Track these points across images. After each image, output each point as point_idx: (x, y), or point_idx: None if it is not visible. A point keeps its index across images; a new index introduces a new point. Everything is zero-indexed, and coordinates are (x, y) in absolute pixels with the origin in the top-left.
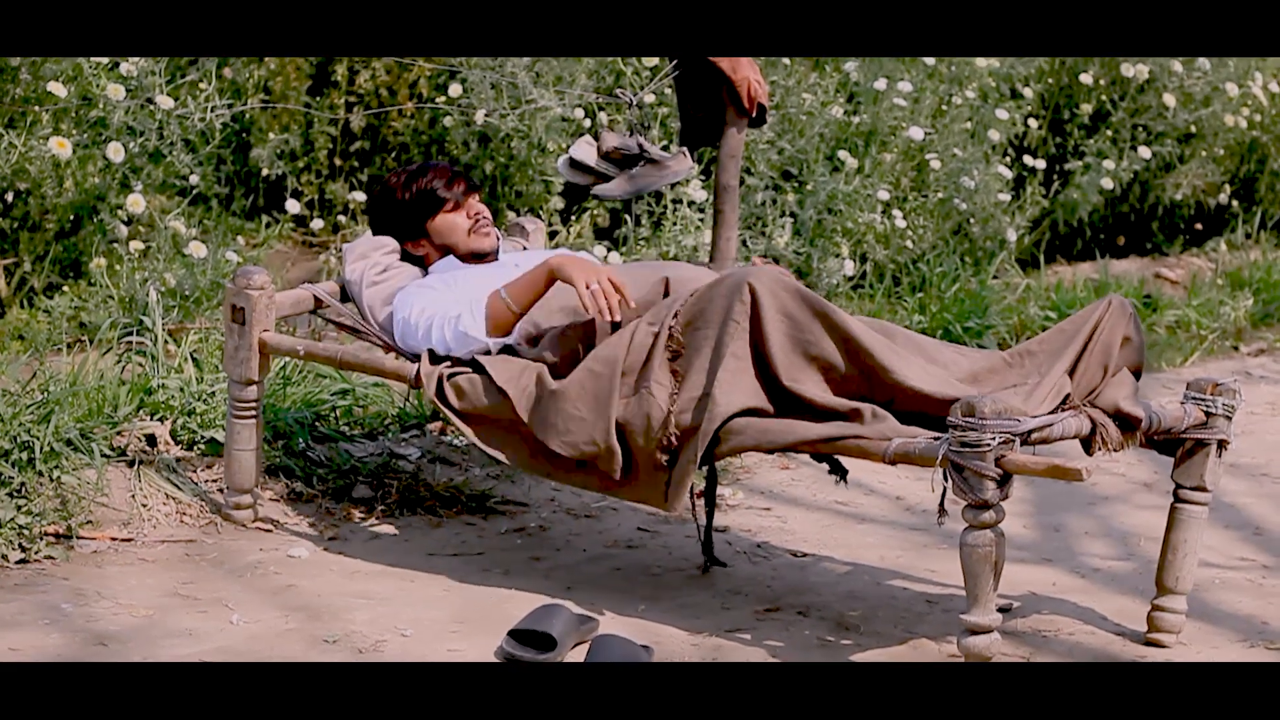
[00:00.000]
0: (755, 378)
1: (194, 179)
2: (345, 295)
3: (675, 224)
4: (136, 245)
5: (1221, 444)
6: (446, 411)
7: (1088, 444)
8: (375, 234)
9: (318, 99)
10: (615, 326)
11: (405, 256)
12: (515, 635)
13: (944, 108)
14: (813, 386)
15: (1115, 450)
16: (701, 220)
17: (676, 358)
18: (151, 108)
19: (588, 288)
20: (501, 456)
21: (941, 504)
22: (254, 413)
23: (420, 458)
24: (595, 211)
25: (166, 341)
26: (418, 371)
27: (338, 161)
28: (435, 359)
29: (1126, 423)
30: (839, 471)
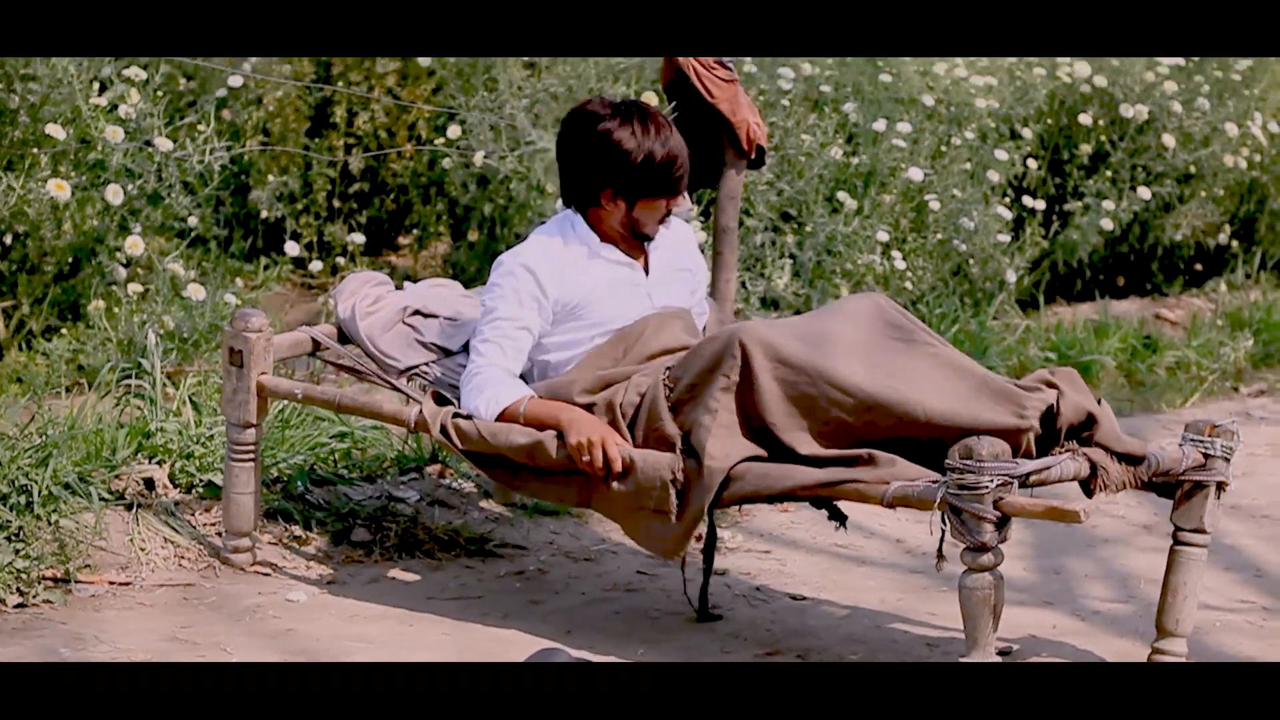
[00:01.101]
0: (749, 433)
1: (192, 221)
2: (344, 337)
3: None
4: (135, 288)
5: (1220, 486)
6: (450, 446)
7: (1087, 486)
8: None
9: (316, 140)
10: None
11: (572, 197)
12: None
13: (943, 149)
14: (809, 441)
15: (1116, 491)
16: None
17: (678, 410)
18: (150, 150)
19: (577, 446)
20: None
21: (940, 548)
22: (252, 456)
23: (419, 501)
24: None
25: (165, 384)
26: (419, 415)
27: (336, 203)
28: (440, 400)
29: (1130, 458)
30: (838, 517)
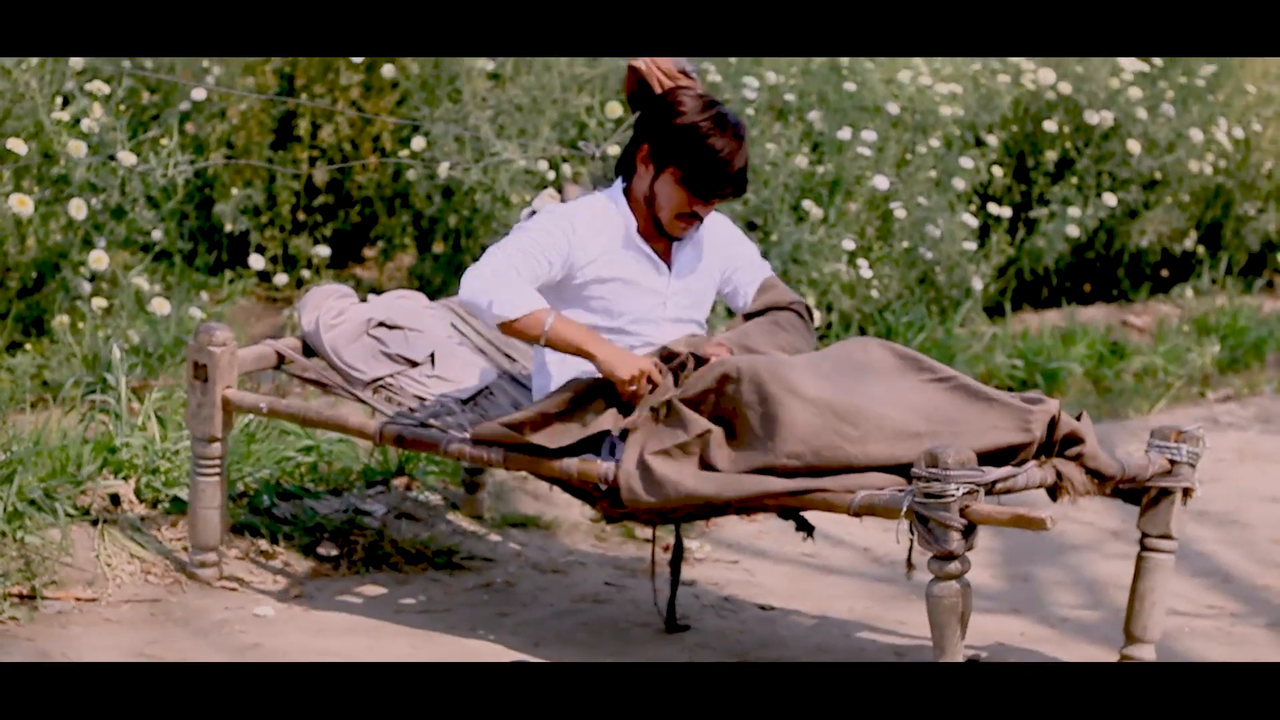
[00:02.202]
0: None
1: (157, 235)
2: (309, 350)
3: None
4: (99, 302)
5: (1187, 492)
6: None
7: (1053, 493)
8: (634, 108)
9: (280, 153)
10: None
11: (624, 163)
12: None
13: (908, 156)
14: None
15: (1078, 497)
16: None
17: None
18: (114, 164)
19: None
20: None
21: (910, 556)
22: (218, 470)
23: (385, 514)
24: None
25: (130, 399)
26: (380, 429)
27: (301, 216)
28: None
29: (1099, 475)
30: (805, 528)
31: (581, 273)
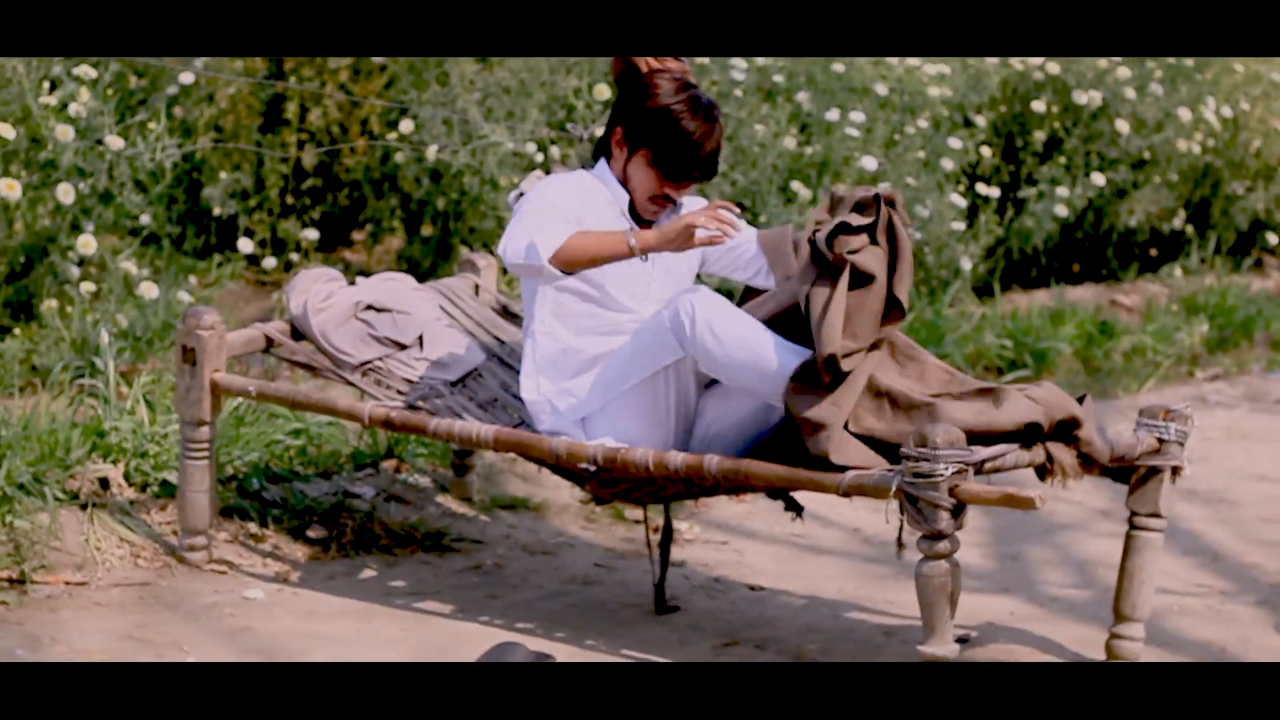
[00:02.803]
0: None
1: (145, 219)
2: (297, 334)
3: None
4: (88, 287)
5: (1175, 470)
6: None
7: (1042, 472)
8: (619, 84)
9: (269, 136)
10: None
11: (603, 147)
12: None
13: (896, 137)
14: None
15: (1069, 479)
16: None
17: None
18: (101, 148)
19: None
20: None
21: (900, 536)
22: (207, 454)
23: (375, 496)
24: None
25: (119, 383)
26: (369, 412)
27: (289, 199)
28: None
29: (1088, 459)
30: (794, 508)
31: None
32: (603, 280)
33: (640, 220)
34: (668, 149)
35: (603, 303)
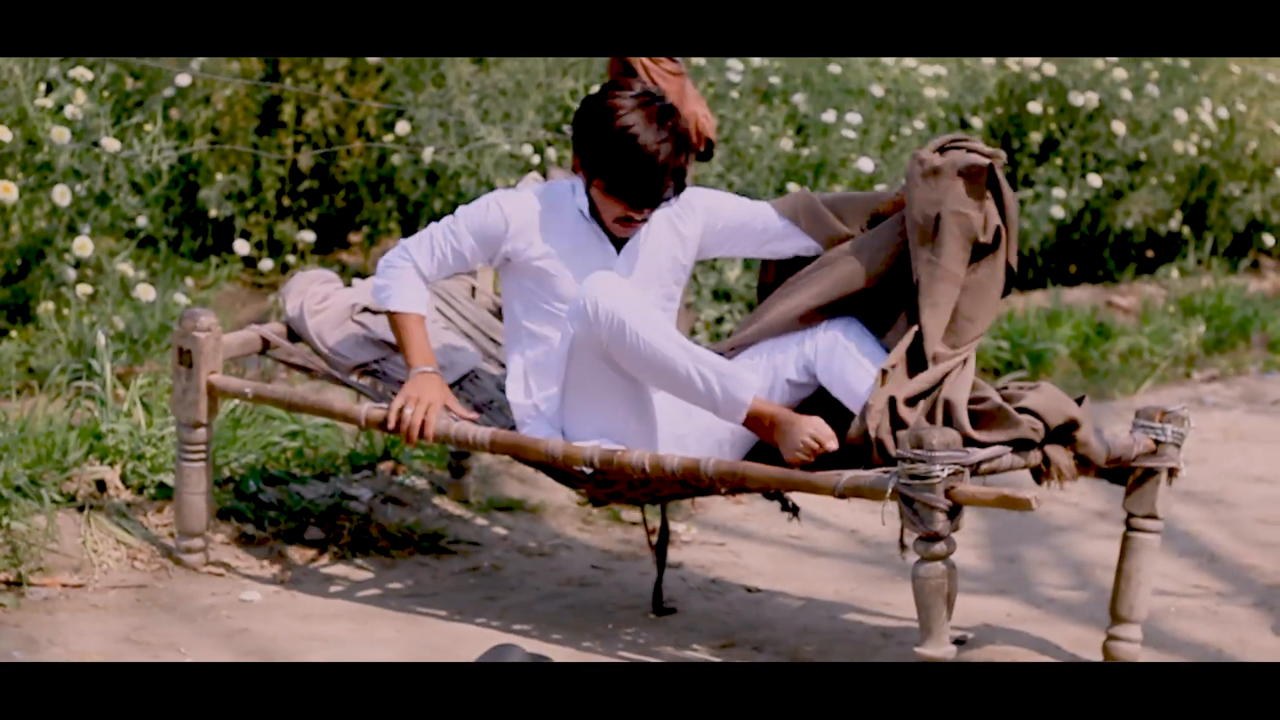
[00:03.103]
0: None
1: (141, 221)
2: (294, 335)
3: None
4: (84, 289)
5: (1172, 472)
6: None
7: (1038, 474)
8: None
9: (265, 138)
10: None
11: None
12: None
13: (893, 139)
14: None
15: (1065, 482)
16: None
17: None
18: (97, 150)
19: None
20: None
21: (901, 537)
22: (203, 456)
23: (372, 498)
24: None
25: (116, 385)
26: (365, 414)
27: (286, 201)
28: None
29: (1084, 460)
30: (791, 508)
31: (522, 253)
32: (563, 288)
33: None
34: (617, 182)
35: (558, 305)
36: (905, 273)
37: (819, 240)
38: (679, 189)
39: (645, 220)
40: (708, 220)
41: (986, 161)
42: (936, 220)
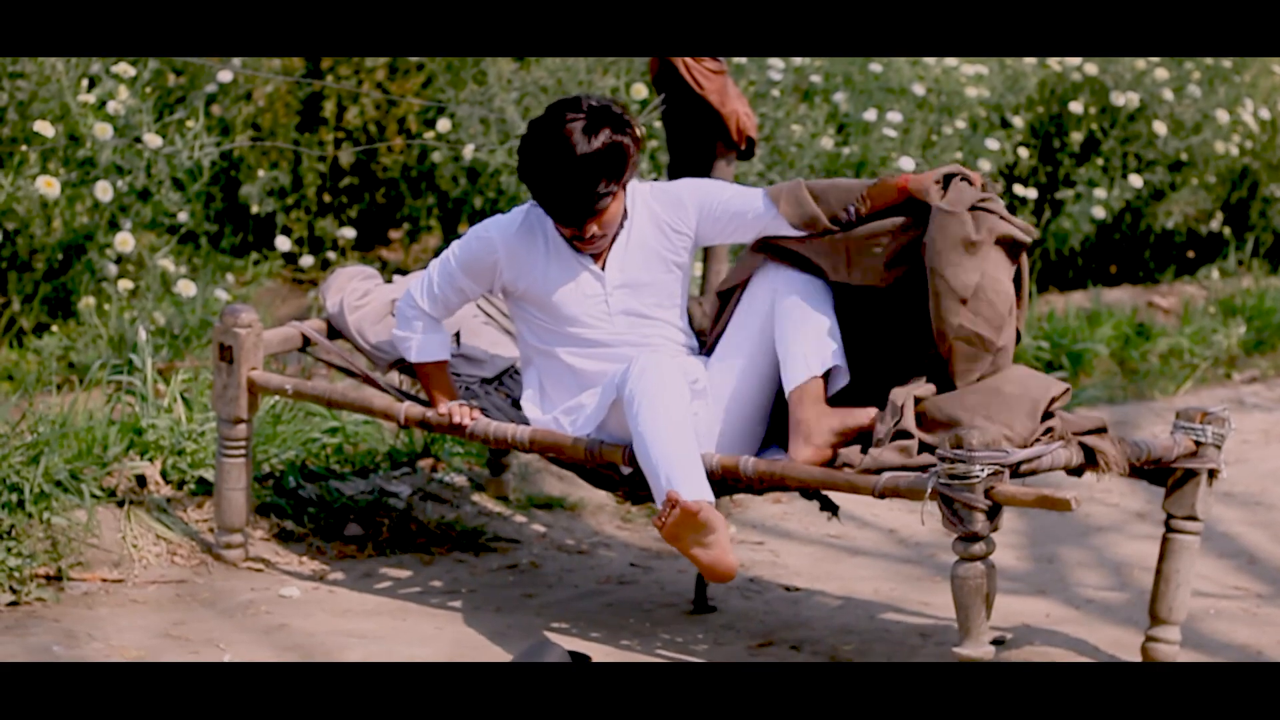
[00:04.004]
0: None
1: (183, 217)
2: (334, 332)
3: None
4: (125, 284)
5: (1212, 473)
6: None
7: (1079, 472)
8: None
9: (306, 135)
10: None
11: None
12: None
13: (934, 138)
14: None
15: (1115, 471)
16: None
17: None
18: (139, 146)
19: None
20: None
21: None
22: (243, 451)
23: (411, 495)
24: None
25: (156, 381)
26: (405, 411)
27: (326, 198)
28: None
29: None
30: (829, 507)
31: (514, 283)
32: (560, 315)
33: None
34: (544, 200)
35: (560, 332)
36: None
37: (795, 223)
38: (584, 213)
39: (601, 235)
40: (701, 213)
41: (1027, 239)
42: (976, 289)
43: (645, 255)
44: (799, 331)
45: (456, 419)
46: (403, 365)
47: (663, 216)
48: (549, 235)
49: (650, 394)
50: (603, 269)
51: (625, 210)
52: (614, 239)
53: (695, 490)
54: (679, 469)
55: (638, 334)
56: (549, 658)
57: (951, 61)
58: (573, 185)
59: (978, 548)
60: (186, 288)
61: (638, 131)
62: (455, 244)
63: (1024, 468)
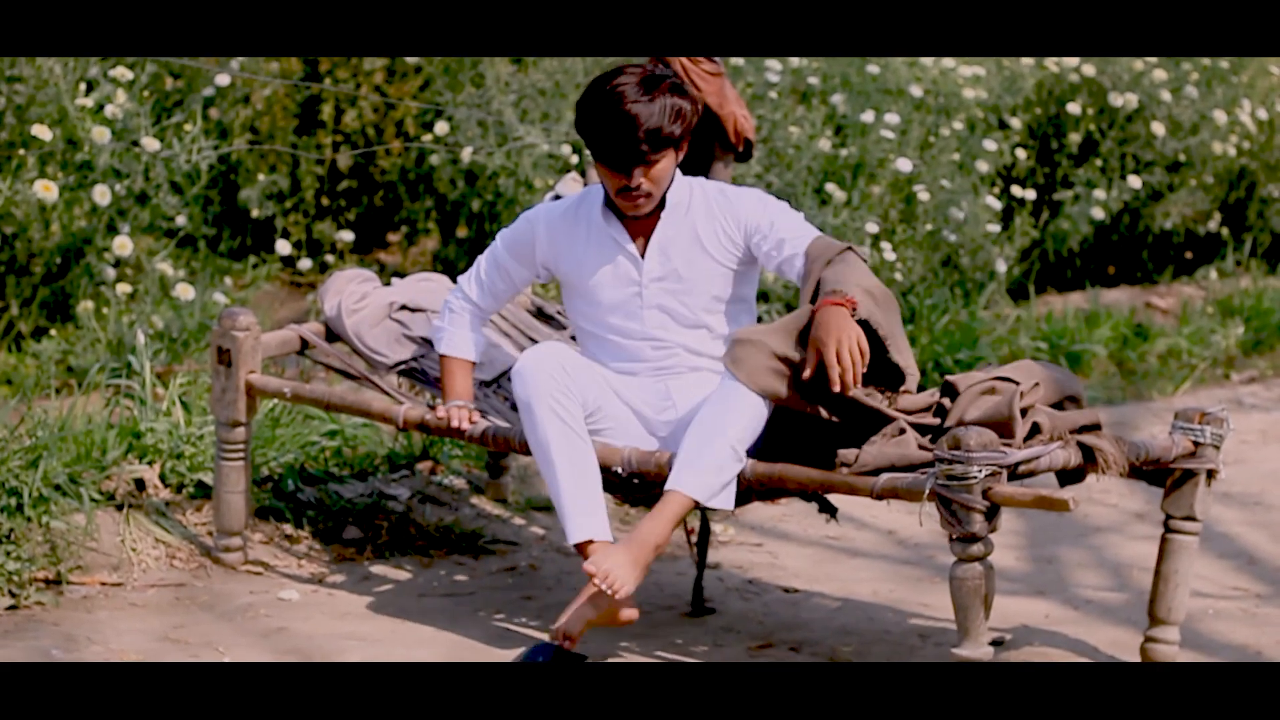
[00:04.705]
0: None
1: (181, 220)
2: (332, 336)
3: None
4: (124, 288)
5: (1211, 473)
6: None
7: (1080, 473)
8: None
9: (304, 138)
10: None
11: None
12: None
13: (931, 139)
14: None
15: (1113, 471)
16: None
17: None
18: (137, 150)
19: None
20: None
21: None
22: (242, 455)
23: (410, 498)
24: None
25: (155, 384)
26: (403, 414)
27: (325, 201)
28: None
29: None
30: (828, 509)
31: (555, 265)
32: (596, 302)
33: (623, 216)
34: (591, 143)
35: (606, 313)
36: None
37: (803, 292)
38: (635, 156)
39: (648, 195)
40: (749, 227)
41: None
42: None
43: (690, 249)
44: (711, 442)
45: (454, 422)
46: (402, 370)
47: (718, 215)
48: (593, 221)
49: (530, 412)
50: (642, 257)
51: (674, 199)
52: (658, 219)
53: (581, 530)
54: (569, 512)
55: (663, 345)
56: (546, 660)
57: (949, 63)
58: (627, 126)
59: (976, 548)
60: (185, 291)
61: (697, 106)
62: (501, 231)
63: (1022, 468)
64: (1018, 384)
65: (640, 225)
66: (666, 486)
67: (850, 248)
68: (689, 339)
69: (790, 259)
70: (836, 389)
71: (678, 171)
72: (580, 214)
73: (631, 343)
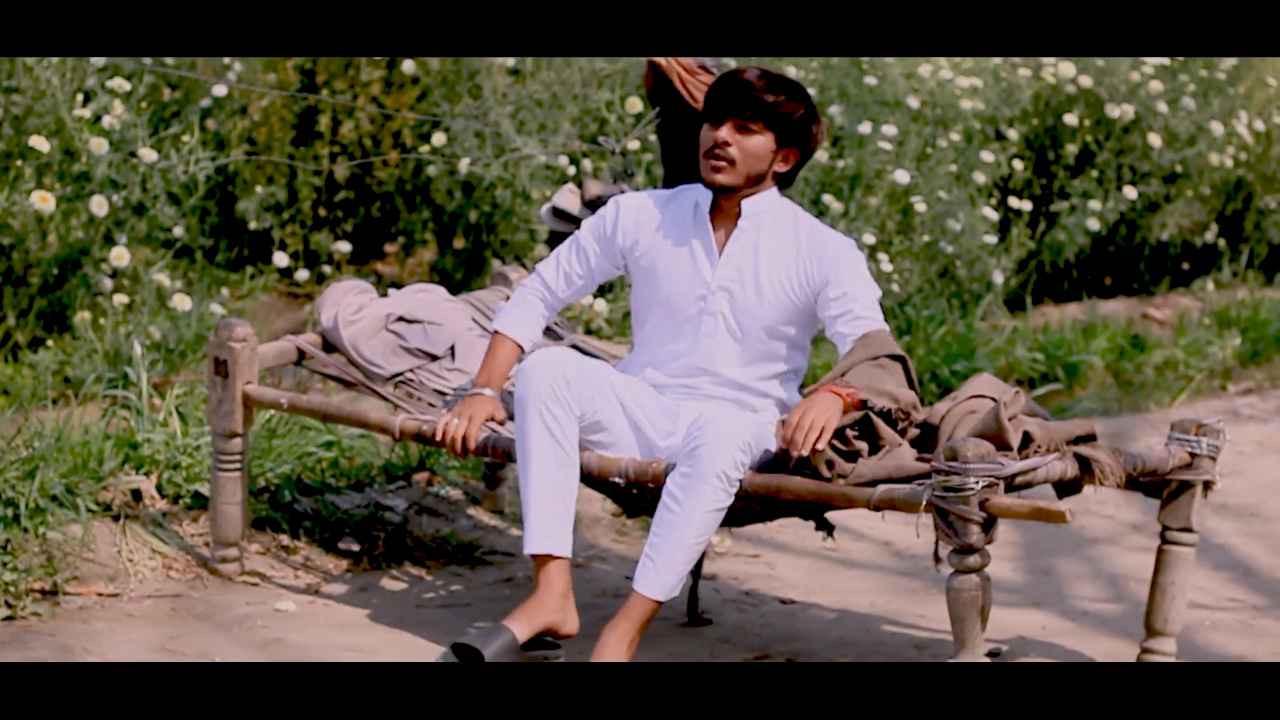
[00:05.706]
0: None
1: (178, 231)
2: (329, 346)
3: None
4: (121, 299)
5: (1207, 485)
6: None
7: (1077, 484)
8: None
9: (301, 149)
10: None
11: None
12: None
13: (928, 150)
14: None
15: (1111, 482)
16: None
17: None
18: (135, 160)
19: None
20: None
21: (936, 550)
22: (238, 466)
23: (407, 509)
24: None
25: (151, 395)
26: (400, 425)
27: (322, 212)
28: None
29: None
30: (825, 527)
31: (629, 250)
32: (656, 298)
33: (709, 187)
34: (710, 94)
35: (661, 303)
36: None
37: (833, 372)
38: (744, 104)
39: (732, 162)
40: (829, 274)
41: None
42: None
43: (767, 266)
44: (677, 538)
45: (447, 439)
46: (398, 382)
47: (804, 246)
48: (681, 211)
49: (522, 413)
50: (720, 254)
51: (758, 208)
52: (739, 222)
53: (541, 542)
54: (535, 523)
55: (703, 371)
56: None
57: (946, 74)
58: (739, 80)
59: (973, 560)
60: (182, 302)
61: (821, 131)
62: (581, 229)
63: (1019, 480)
64: (995, 400)
65: (725, 233)
66: (640, 586)
67: (904, 358)
68: (730, 363)
69: (840, 333)
70: (784, 447)
71: (775, 191)
72: (671, 203)
73: (673, 348)
